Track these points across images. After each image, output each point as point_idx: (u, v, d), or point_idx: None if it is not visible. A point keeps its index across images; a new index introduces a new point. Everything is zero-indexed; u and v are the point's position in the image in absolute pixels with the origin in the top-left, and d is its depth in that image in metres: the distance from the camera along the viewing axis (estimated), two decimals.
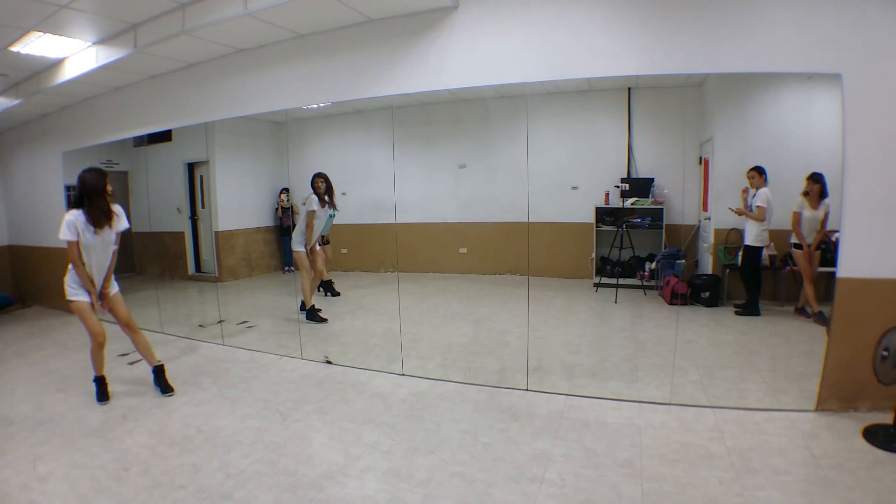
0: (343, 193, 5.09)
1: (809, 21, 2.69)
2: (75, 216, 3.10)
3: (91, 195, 3.12)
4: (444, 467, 2.44)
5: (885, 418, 2.64)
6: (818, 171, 3.56)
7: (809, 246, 3.72)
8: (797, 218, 3.71)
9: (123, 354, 4.26)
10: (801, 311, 3.88)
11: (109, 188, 3.21)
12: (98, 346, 3.29)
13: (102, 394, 3.37)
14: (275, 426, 2.93)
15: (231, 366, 4.00)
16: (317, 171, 4.80)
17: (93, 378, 3.42)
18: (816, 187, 3.58)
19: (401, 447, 2.65)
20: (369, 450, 2.63)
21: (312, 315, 4.85)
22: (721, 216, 4.17)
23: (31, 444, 2.78)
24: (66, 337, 5.08)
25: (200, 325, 5.17)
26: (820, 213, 3.62)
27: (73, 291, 3.24)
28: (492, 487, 2.27)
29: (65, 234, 3.08)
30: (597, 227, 5.67)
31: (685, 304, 4.61)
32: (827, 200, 3.57)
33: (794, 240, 3.76)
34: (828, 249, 3.66)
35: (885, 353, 2.52)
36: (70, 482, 2.39)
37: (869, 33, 2.62)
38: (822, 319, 3.70)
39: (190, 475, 2.43)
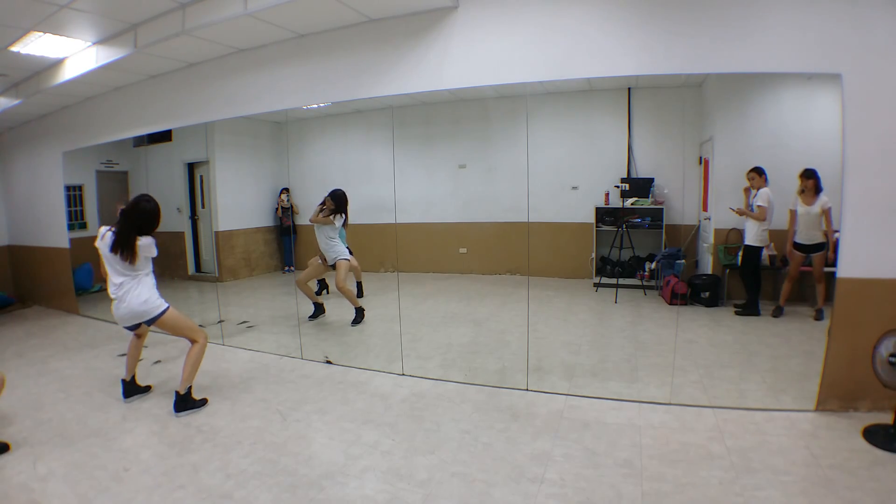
0: None
1: (809, 21, 2.69)
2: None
3: (127, 221, 3.00)
4: (444, 467, 2.44)
5: (885, 418, 2.64)
6: (812, 167, 3.57)
7: (797, 244, 3.76)
8: (791, 216, 3.71)
9: (123, 354, 4.26)
10: (819, 314, 3.81)
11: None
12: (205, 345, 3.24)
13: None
14: (275, 426, 2.93)
15: (231, 366, 4.00)
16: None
17: (187, 396, 3.14)
18: (810, 183, 3.58)
19: (401, 447, 2.65)
20: (369, 450, 2.63)
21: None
22: (721, 216, 4.17)
23: (31, 444, 2.78)
24: (66, 337, 5.08)
25: (200, 325, 5.15)
26: (816, 209, 3.61)
27: (163, 299, 3.13)
28: (492, 487, 2.27)
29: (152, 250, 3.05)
30: (597, 227, 5.68)
31: (685, 304, 4.61)
32: (824, 196, 3.56)
33: (796, 239, 3.77)
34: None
35: (893, 360, 2.52)
36: (70, 482, 2.39)
37: (869, 33, 2.62)
38: (777, 313, 3.94)
39: (190, 475, 2.43)
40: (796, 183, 3.69)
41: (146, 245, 3.02)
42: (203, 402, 3.24)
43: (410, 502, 2.18)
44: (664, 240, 5.17)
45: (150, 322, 3.11)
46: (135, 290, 3.03)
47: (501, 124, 6.17)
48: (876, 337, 2.59)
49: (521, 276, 6.12)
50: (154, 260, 3.15)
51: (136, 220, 3.00)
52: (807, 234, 3.71)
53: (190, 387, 3.17)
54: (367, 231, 5.91)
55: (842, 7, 2.64)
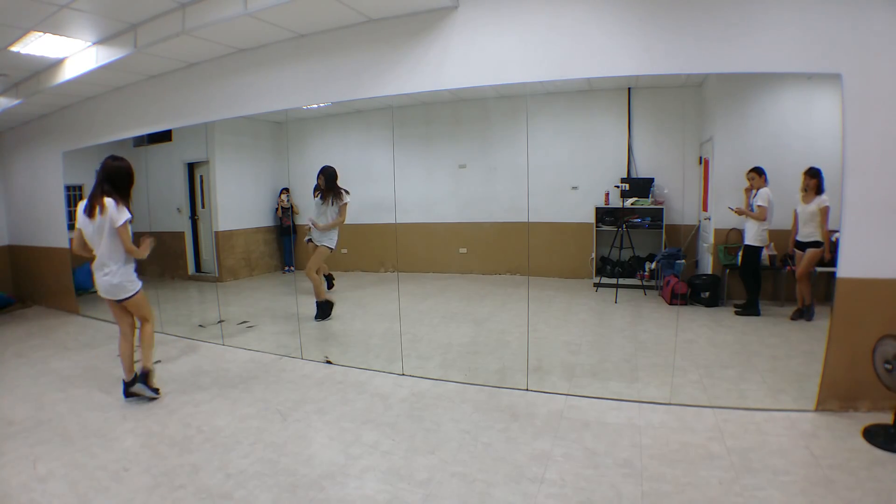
0: None
1: (809, 21, 2.69)
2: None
3: (104, 182, 3.14)
4: (444, 467, 2.44)
5: (885, 418, 2.64)
6: (816, 167, 3.56)
7: (798, 242, 3.75)
8: (794, 215, 3.73)
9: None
10: (800, 313, 3.85)
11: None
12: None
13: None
14: (275, 426, 2.93)
15: (231, 366, 4.00)
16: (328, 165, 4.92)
17: (140, 375, 3.30)
18: (812, 182, 3.58)
19: (401, 447, 2.65)
20: (369, 450, 2.63)
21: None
22: (721, 216, 4.17)
23: (31, 444, 2.78)
24: (66, 337, 5.08)
25: (200, 325, 5.16)
26: (812, 207, 3.61)
27: (138, 279, 3.32)
28: (492, 487, 2.27)
29: (125, 215, 3.14)
30: (597, 227, 5.67)
31: (685, 304, 4.61)
32: (824, 196, 3.56)
33: (797, 237, 3.79)
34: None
35: (888, 367, 2.52)
36: (70, 482, 2.39)
37: (869, 33, 2.62)
38: (797, 315, 3.88)
39: (190, 475, 2.43)
40: (797, 183, 3.69)
41: (111, 208, 3.09)
42: (156, 391, 3.34)
43: (410, 502, 2.18)
44: (664, 240, 5.17)
45: (122, 300, 3.28)
46: (117, 271, 3.20)
47: (501, 124, 6.16)
48: (876, 338, 2.59)
49: (521, 276, 6.11)
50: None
51: (105, 178, 3.14)
52: (804, 232, 3.73)
53: (149, 371, 3.31)
54: (367, 231, 5.91)
55: (841, 7, 2.64)
